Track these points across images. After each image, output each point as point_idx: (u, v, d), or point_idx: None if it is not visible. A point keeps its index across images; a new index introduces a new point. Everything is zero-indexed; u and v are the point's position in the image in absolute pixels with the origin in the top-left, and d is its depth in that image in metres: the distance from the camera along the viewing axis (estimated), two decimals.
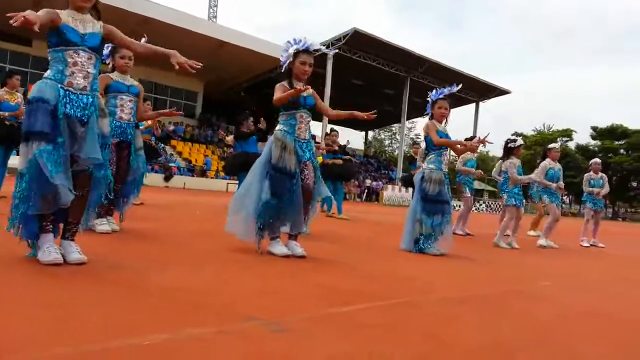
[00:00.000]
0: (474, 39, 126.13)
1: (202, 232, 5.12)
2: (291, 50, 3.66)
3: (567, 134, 49.22)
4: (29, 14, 2.30)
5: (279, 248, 3.58)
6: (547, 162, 6.85)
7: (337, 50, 26.36)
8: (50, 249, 2.53)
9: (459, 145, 4.88)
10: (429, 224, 4.57)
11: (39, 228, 2.58)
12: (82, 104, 2.60)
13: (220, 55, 27.01)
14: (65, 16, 2.57)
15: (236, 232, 3.66)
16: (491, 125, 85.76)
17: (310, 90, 3.75)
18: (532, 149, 43.37)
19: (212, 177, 25.36)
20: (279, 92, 3.59)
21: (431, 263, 4.12)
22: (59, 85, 2.54)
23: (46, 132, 2.46)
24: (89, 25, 2.64)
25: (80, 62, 2.59)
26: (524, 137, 49.90)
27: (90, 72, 2.64)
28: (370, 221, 9.87)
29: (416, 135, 51.78)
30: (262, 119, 7.79)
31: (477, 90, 34.36)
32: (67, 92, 2.55)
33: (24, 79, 16.94)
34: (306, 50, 3.67)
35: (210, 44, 25.71)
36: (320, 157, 9.60)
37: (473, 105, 36.85)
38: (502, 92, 35.89)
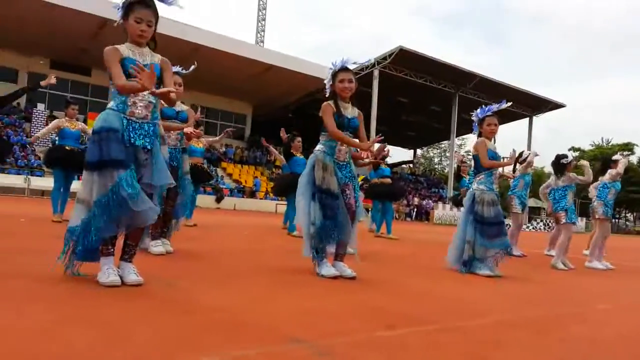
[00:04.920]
0: (522, 52, 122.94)
1: (250, 252, 5.19)
2: (329, 75, 3.71)
3: (629, 148, 46.79)
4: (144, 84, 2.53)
5: (327, 269, 3.56)
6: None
7: (370, 59, 26.33)
8: (109, 271, 2.64)
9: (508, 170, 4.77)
10: (486, 246, 4.45)
11: (99, 251, 2.71)
12: (144, 132, 2.72)
13: (267, 78, 27.69)
14: (125, 50, 2.72)
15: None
16: (546, 140, 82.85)
17: (357, 112, 3.77)
18: (590, 164, 41.44)
19: (261, 198, 25.74)
20: (328, 114, 3.60)
21: (481, 284, 4.00)
22: (122, 115, 2.67)
23: (121, 160, 2.60)
24: (148, 57, 2.78)
25: (142, 92, 2.72)
26: (582, 151, 47.92)
27: (151, 102, 2.76)
28: (419, 241, 9.70)
29: (467, 152, 50.71)
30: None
31: (530, 105, 33.38)
32: (129, 122, 2.68)
33: (84, 107, 18.09)
34: (343, 68, 3.71)
35: (257, 68, 26.42)
36: (361, 177, 9.57)
37: (526, 120, 35.80)
38: (556, 105, 34.69)
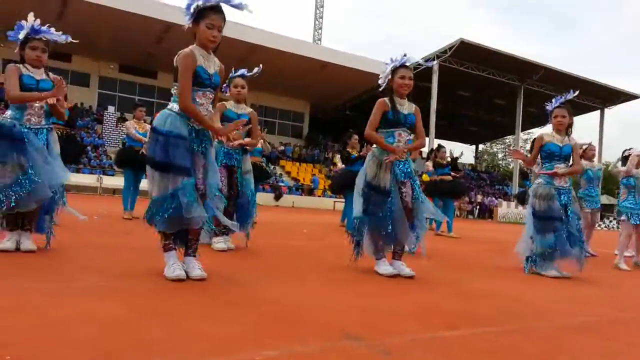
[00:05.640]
0: (592, 40, 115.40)
1: (308, 249, 5.25)
2: (388, 69, 3.65)
3: None
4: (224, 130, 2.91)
5: (384, 268, 3.55)
6: None
7: (435, 62, 25.96)
8: (174, 266, 2.77)
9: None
10: (540, 242, 4.28)
11: (162, 247, 2.84)
12: (203, 138, 2.85)
13: (325, 75, 27.79)
14: (198, 55, 2.78)
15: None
16: (619, 133, 77.95)
17: (414, 107, 3.71)
18: None
19: (319, 196, 25.93)
20: (377, 110, 3.59)
21: (545, 285, 3.84)
22: (187, 122, 2.78)
23: (187, 167, 2.72)
24: (212, 65, 2.87)
25: (205, 102, 2.84)
26: None
27: (210, 110, 2.88)
28: (481, 239, 9.43)
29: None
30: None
31: (601, 96, 31.54)
32: (193, 129, 2.81)
33: (151, 109, 19.11)
34: (404, 65, 3.65)
35: (315, 66, 26.58)
36: (426, 176, 9.41)
37: (598, 112, 33.88)
38: (630, 96, 32.55)
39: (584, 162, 7.14)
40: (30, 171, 3.18)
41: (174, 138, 2.72)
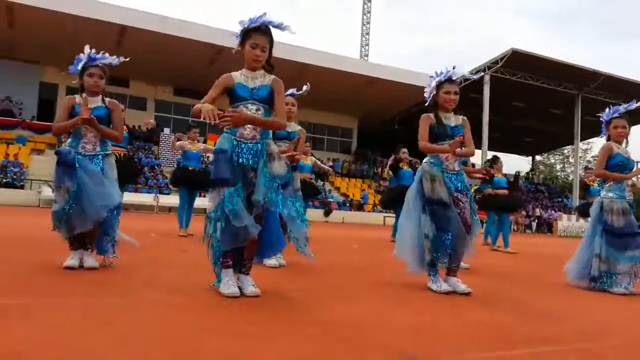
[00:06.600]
0: None
1: (359, 265, 5.21)
2: (433, 83, 3.60)
3: None
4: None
5: (438, 284, 3.44)
6: None
7: (485, 73, 25.44)
8: (229, 283, 2.82)
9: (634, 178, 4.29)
10: (617, 258, 4.03)
11: (220, 263, 2.89)
12: (252, 152, 2.89)
13: (372, 91, 27.83)
14: (239, 75, 2.95)
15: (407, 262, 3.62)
16: None
17: (461, 119, 3.63)
18: None
19: (369, 211, 25.76)
20: (423, 125, 3.54)
21: (610, 302, 3.62)
22: (232, 137, 2.88)
23: (228, 178, 2.81)
24: (259, 80, 2.96)
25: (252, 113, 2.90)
26: None
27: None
28: (540, 254, 9.05)
29: (593, 157, 46.21)
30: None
31: None
32: (238, 143, 2.87)
33: (203, 129, 19.75)
34: (450, 79, 3.58)
35: (362, 81, 26.68)
36: (474, 187, 9.18)
37: None
38: None
39: None
40: (80, 194, 3.33)
41: (217, 154, 2.87)
